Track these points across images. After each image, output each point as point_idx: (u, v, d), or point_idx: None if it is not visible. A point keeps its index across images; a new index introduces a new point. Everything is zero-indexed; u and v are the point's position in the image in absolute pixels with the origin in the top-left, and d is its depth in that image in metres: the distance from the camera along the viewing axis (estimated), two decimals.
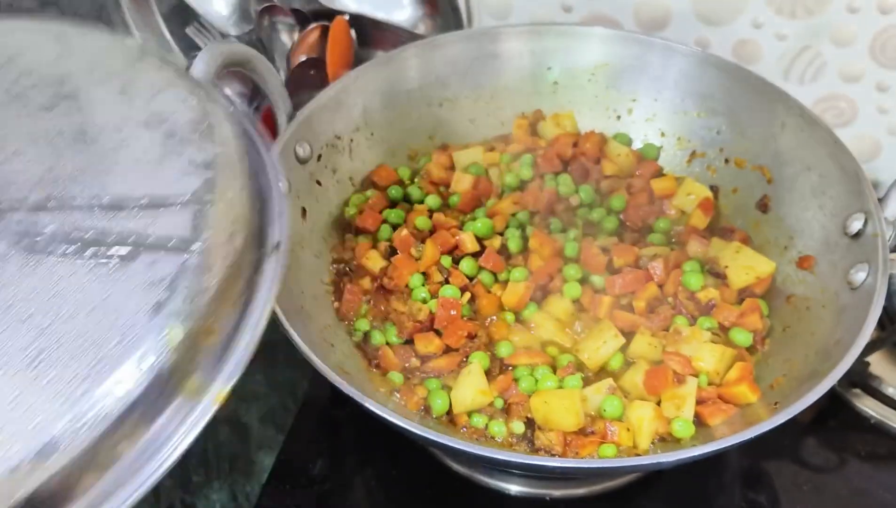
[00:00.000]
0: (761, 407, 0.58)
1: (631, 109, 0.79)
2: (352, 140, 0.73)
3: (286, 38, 0.94)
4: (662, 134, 0.79)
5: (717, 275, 0.68)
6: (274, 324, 0.87)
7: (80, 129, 0.48)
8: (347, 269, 0.71)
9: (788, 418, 0.49)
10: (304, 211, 0.67)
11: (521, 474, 0.68)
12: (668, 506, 0.68)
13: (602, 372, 0.64)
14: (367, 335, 0.67)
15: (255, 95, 0.94)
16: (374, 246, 0.71)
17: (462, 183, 0.75)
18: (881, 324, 0.76)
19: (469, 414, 0.62)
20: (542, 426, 0.60)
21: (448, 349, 0.65)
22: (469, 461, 0.69)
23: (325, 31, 0.91)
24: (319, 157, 0.70)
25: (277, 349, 0.86)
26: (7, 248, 0.42)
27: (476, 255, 0.70)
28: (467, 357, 0.65)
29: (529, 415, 0.61)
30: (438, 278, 0.69)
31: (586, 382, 0.62)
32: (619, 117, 0.80)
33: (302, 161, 0.68)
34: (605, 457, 0.58)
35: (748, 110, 0.72)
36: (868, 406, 0.74)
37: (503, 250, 0.71)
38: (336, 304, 0.68)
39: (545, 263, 0.70)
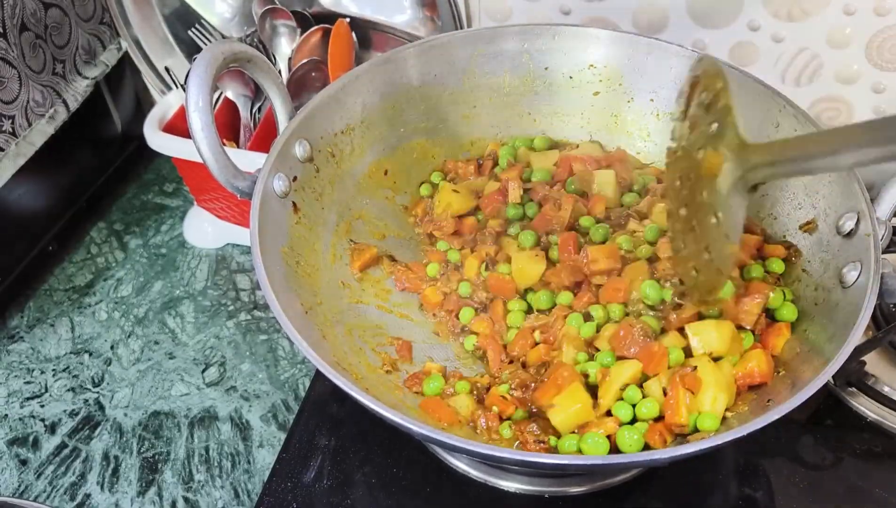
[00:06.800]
0: (754, 404, 0.58)
1: (627, 109, 0.80)
2: (352, 139, 0.74)
3: (287, 40, 0.95)
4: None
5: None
6: (274, 323, 0.89)
7: None
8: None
9: (781, 415, 0.49)
10: (294, 205, 0.67)
11: (519, 471, 0.69)
12: (665, 504, 0.69)
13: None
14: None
15: (257, 96, 0.95)
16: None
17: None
18: (877, 323, 0.77)
19: None
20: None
21: None
22: (468, 458, 0.69)
23: (326, 34, 0.92)
24: (319, 155, 0.71)
25: (278, 348, 0.87)
26: None
27: None
28: None
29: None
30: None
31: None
32: (614, 117, 0.81)
33: (301, 160, 0.68)
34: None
35: (742, 110, 0.72)
36: (864, 405, 0.74)
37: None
38: None
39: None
